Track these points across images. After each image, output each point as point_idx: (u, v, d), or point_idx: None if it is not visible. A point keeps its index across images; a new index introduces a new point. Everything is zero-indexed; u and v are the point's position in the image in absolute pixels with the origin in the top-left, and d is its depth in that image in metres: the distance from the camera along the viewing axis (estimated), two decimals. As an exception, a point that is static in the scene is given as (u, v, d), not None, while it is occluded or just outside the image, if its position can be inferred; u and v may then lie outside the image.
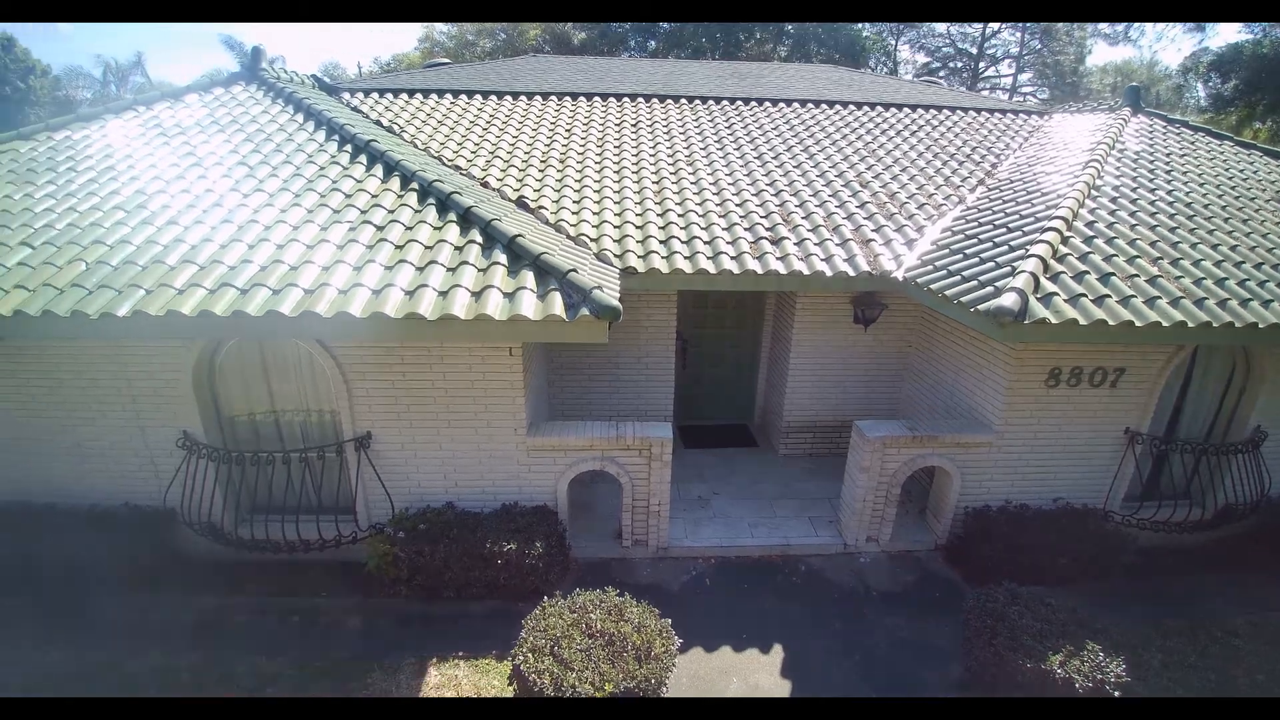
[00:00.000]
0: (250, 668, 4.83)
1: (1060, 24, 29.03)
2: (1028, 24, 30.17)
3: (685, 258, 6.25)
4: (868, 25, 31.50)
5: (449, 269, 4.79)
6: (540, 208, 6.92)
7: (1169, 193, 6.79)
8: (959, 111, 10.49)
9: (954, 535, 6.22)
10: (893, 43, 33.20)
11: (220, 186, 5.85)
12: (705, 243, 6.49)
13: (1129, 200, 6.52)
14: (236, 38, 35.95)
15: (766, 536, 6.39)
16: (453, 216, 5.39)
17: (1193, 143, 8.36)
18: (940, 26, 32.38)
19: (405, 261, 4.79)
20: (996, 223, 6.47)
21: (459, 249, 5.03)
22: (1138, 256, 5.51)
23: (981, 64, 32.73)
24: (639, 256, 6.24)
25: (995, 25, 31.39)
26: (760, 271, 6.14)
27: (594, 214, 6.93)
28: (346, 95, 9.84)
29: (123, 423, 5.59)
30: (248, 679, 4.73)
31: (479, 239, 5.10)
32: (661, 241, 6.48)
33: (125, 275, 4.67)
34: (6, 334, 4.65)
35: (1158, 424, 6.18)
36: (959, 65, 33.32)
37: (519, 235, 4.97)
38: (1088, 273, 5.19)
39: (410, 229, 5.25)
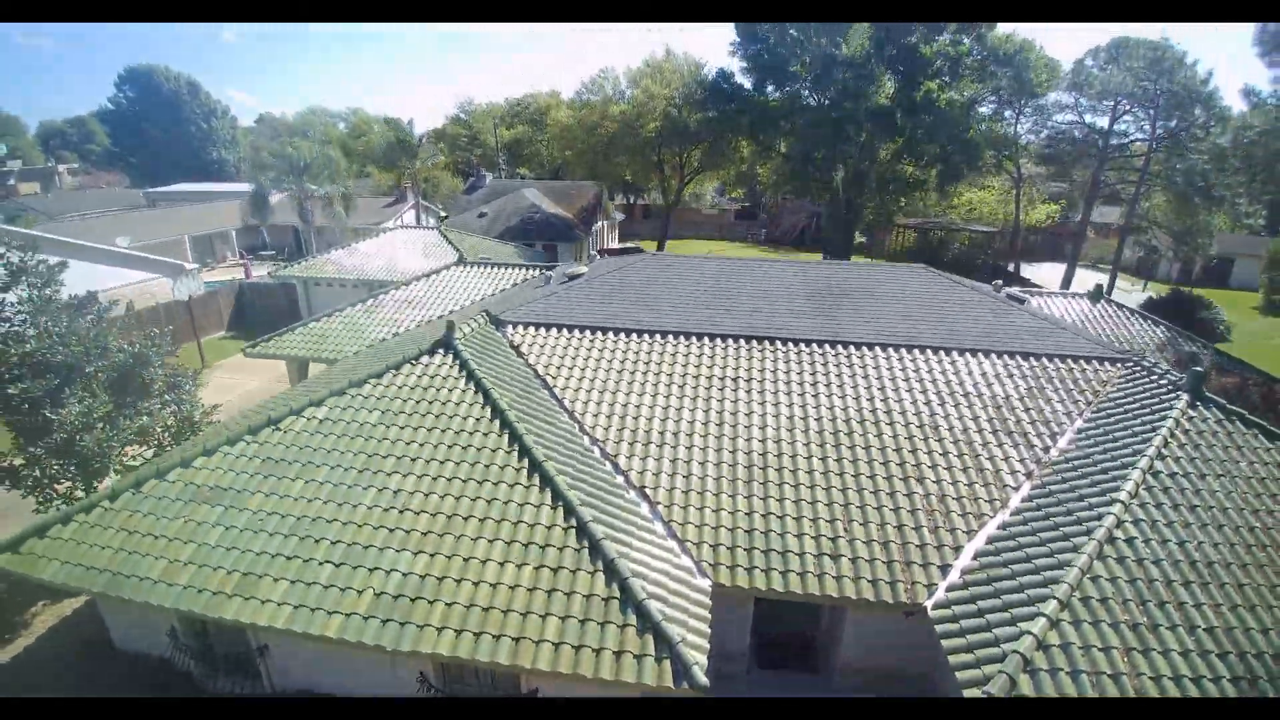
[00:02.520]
0: None
1: (1197, 128, 27.67)
2: (1158, 127, 29.04)
3: (762, 571, 8.46)
4: (986, 111, 31.36)
5: (599, 624, 7.31)
6: (657, 502, 9.36)
7: (1180, 544, 8.04)
8: (1030, 359, 11.81)
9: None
10: (1013, 129, 32.72)
11: (432, 503, 8.73)
12: (779, 554, 8.65)
13: (1135, 560, 7.91)
14: (395, 118, 41.34)
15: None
16: (600, 565, 7.90)
17: (1239, 450, 9.31)
18: (1065, 115, 31.70)
19: (571, 616, 7.37)
20: (1015, 566, 8.13)
21: (605, 601, 7.54)
22: (1114, 647, 7.05)
23: (1112, 141, 31.56)
24: (728, 568, 8.53)
25: (1125, 107, 30.30)
26: (818, 593, 8.23)
27: (697, 510, 9.27)
28: (509, 329, 12.76)
29: (385, 668, 8.63)
30: None
31: (618, 594, 7.58)
32: (745, 551, 8.72)
33: (396, 608, 7.56)
34: (324, 643, 7.69)
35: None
36: (1084, 142, 32.24)
37: (644, 600, 7.41)
38: (1061, 669, 6.86)
39: (573, 573, 7.83)
